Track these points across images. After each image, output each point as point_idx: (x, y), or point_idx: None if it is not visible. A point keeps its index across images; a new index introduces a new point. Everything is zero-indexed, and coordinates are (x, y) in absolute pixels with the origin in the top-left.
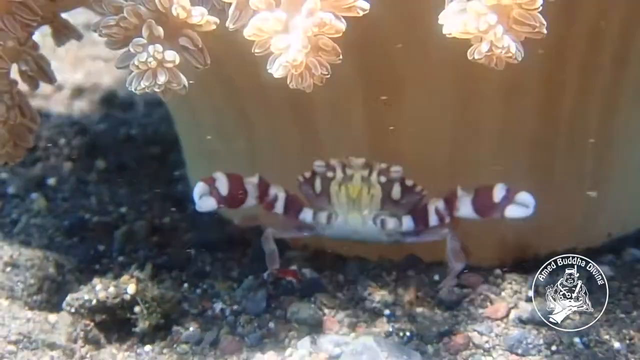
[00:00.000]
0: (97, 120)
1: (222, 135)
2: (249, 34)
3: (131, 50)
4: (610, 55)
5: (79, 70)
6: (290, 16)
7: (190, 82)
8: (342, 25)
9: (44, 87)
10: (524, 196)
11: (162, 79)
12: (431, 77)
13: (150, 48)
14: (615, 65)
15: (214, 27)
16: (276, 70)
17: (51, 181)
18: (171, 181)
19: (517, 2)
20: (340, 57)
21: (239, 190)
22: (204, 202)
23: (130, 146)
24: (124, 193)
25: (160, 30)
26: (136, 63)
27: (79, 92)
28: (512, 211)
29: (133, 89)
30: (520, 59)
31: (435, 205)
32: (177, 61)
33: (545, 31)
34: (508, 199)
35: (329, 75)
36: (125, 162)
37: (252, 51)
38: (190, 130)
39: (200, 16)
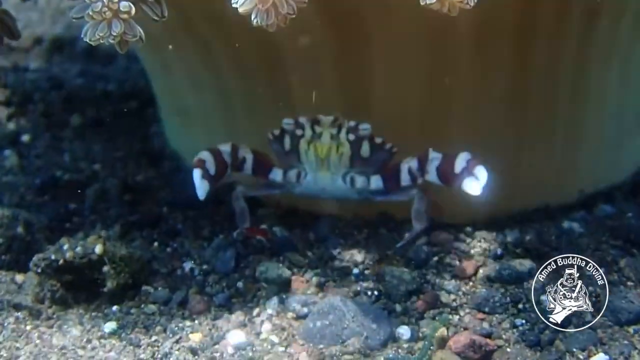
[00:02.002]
0: (75, 74)
1: (195, 92)
2: None
3: (86, 0)
4: (581, 14)
5: (59, 23)
6: None
7: (170, 47)
8: None
9: (24, 41)
10: (480, 171)
11: (116, 29)
12: (401, 32)
13: None
14: (586, 24)
15: None
16: (242, 3)
17: (25, 138)
18: (147, 137)
19: None
20: None
21: (222, 164)
22: (202, 189)
23: (107, 101)
24: (98, 149)
25: None
26: (91, 13)
27: (58, 45)
28: (467, 185)
29: (88, 40)
30: (472, 4)
31: (409, 164)
32: (133, 12)
33: None
34: (467, 170)
35: (294, 16)
36: (102, 118)
37: None
38: (164, 87)
39: None
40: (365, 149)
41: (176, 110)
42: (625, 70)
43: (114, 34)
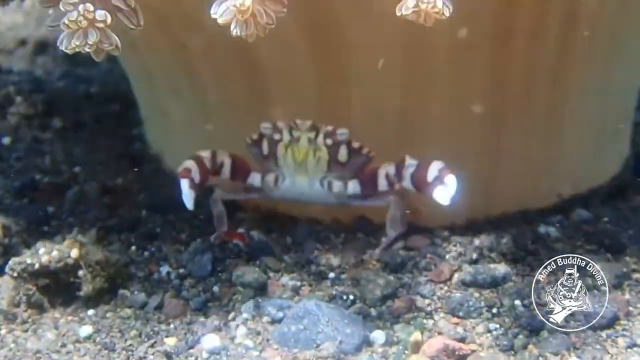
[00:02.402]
0: (57, 77)
1: (174, 95)
2: None
3: (62, 8)
4: (561, 13)
5: (44, 25)
6: None
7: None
8: None
9: (8, 42)
10: (451, 180)
11: (92, 38)
12: (379, 40)
13: (81, 7)
14: (566, 25)
15: None
16: (221, 14)
17: (6, 140)
18: (128, 140)
19: None
20: (285, 9)
21: (205, 171)
22: (191, 200)
23: (89, 104)
24: (79, 152)
25: None
26: (66, 22)
27: (42, 47)
28: (437, 194)
29: (64, 48)
30: (447, 14)
31: (386, 170)
32: (109, 21)
33: None
34: (439, 179)
35: (273, 26)
36: (83, 120)
37: None
38: (144, 90)
39: None
40: (342, 154)
41: (156, 115)
42: (604, 76)
43: (90, 43)
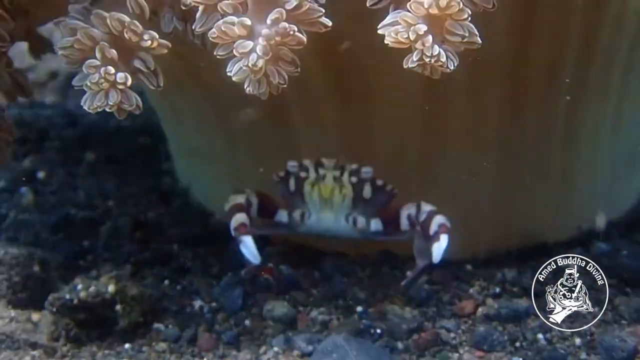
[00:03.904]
0: (88, 111)
1: (202, 134)
2: (213, 36)
3: (84, 71)
4: (574, 54)
5: None
6: (255, 23)
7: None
8: (303, 38)
9: (39, 75)
10: (444, 240)
11: (113, 99)
12: (400, 82)
13: (102, 70)
14: (579, 64)
15: (165, 51)
16: (235, 73)
17: (40, 175)
18: (158, 174)
19: (447, 13)
20: (299, 69)
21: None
22: (256, 254)
23: (120, 137)
24: (111, 186)
25: (112, 53)
26: (89, 84)
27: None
28: (433, 249)
29: (87, 108)
30: (452, 67)
31: (409, 211)
32: (129, 83)
33: (479, 41)
34: (437, 235)
35: (285, 85)
36: (115, 154)
37: (215, 53)
38: (173, 128)
39: (151, 40)
40: (367, 191)
41: (184, 151)
42: (618, 112)
43: (111, 103)
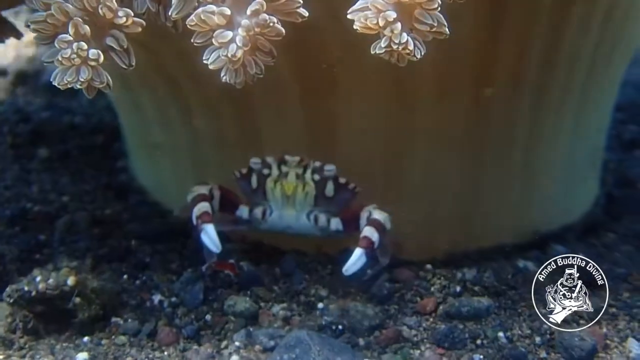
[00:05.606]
0: (40, 107)
1: (163, 128)
2: (191, 23)
3: (56, 46)
4: (538, 60)
5: (22, 56)
6: (234, 13)
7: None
8: (282, 30)
9: None
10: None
11: (84, 75)
12: (365, 78)
13: (75, 45)
14: (543, 70)
15: (139, 29)
16: (212, 61)
17: None
18: (113, 171)
19: (417, 1)
20: (275, 59)
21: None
22: (218, 243)
23: (73, 135)
24: (66, 182)
25: (86, 29)
26: (60, 59)
27: (22, 78)
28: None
29: (57, 84)
30: (419, 56)
31: (369, 211)
32: (101, 60)
33: (446, 31)
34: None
35: (262, 75)
36: (69, 151)
37: (192, 40)
38: (132, 122)
39: (125, 17)
40: (329, 189)
41: (145, 147)
42: (578, 117)
43: (82, 80)
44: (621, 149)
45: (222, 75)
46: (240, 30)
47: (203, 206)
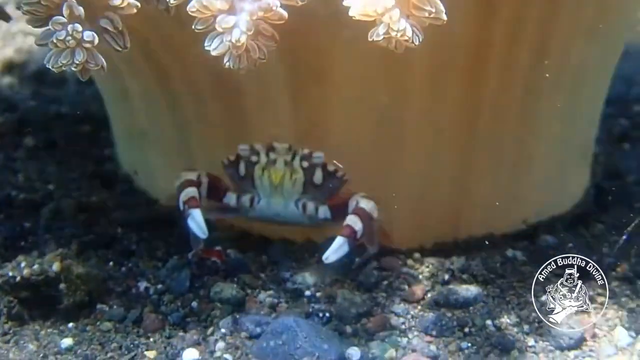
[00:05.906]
0: (27, 96)
1: (151, 115)
2: (192, 9)
3: (51, 28)
4: (529, 47)
5: (9, 45)
6: None
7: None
8: (285, 14)
9: None
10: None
11: (79, 58)
12: (356, 66)
13: (69, 27)
14: (536, 57)
15: (134, 10)
16: (215, 48)
17: None
18: (100, 160)
19: None
20: (277, 44)
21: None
22: (204, 228)
23: (60, 124)
24: (52, 171)
25: (80, 10)
26: (55, 41)
27: (9, 67)
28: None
29: (51, 66)
30: (417, 43)
31: (357, 200)
32: (96, 42)
33: (444, 17)
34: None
35: (265, 60)
36: (55, 140)
37: (193, 27)
38: (119, 110)
39: None
40: (318, 177)
41: (131, 135)
42: (569, 106)
43: (77, 62)
44: (611, 142)
45: (225, 61)
46: (244, 15)
47: (190, 191)
